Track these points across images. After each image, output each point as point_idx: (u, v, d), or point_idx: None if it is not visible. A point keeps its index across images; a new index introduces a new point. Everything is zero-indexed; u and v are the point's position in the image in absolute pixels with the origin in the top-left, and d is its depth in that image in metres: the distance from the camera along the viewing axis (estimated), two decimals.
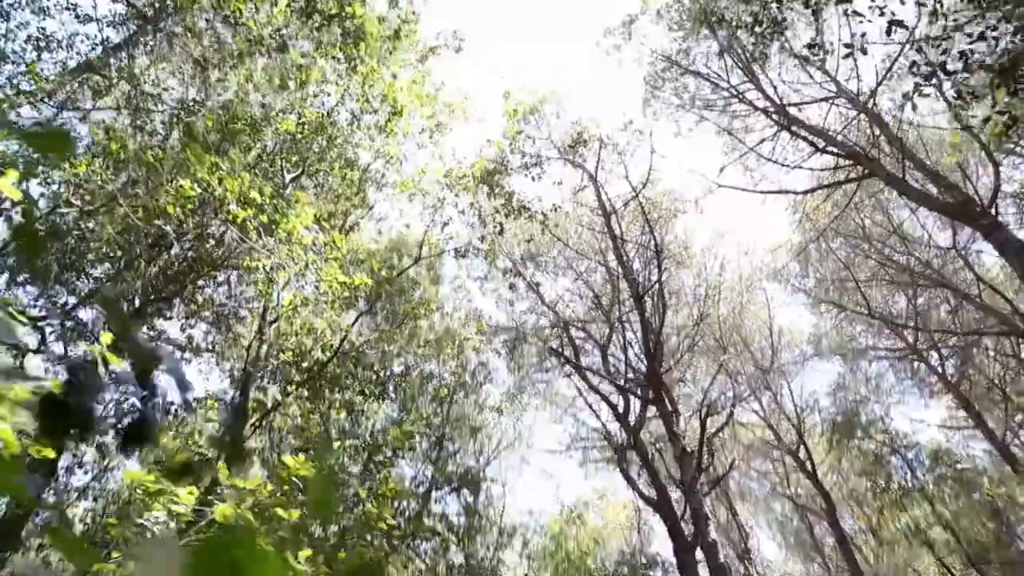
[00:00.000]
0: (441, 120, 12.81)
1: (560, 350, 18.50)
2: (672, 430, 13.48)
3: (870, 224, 23.35)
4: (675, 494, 16.55)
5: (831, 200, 20.87)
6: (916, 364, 26.16)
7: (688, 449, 13.00)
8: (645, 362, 13.93)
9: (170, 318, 11.75)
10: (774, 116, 16.35)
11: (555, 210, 13.79)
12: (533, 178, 14.87)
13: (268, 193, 6.90)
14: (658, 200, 18.48)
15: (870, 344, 26.06)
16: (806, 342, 25.76)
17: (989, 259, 23.48)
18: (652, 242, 14.09)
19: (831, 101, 16.70)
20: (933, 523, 24.26)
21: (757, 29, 11.50)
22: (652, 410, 18.52)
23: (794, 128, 15.55)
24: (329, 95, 10.34)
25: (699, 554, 16.49)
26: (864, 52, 8.99)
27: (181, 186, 6.46)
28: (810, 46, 11.23)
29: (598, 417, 20.25)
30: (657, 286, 13.92)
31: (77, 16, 10.40)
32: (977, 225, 11.88)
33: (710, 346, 21.80)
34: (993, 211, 11.37)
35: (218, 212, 6.96)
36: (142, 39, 10.24)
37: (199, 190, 6.54)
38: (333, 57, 9.53)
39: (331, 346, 10.45)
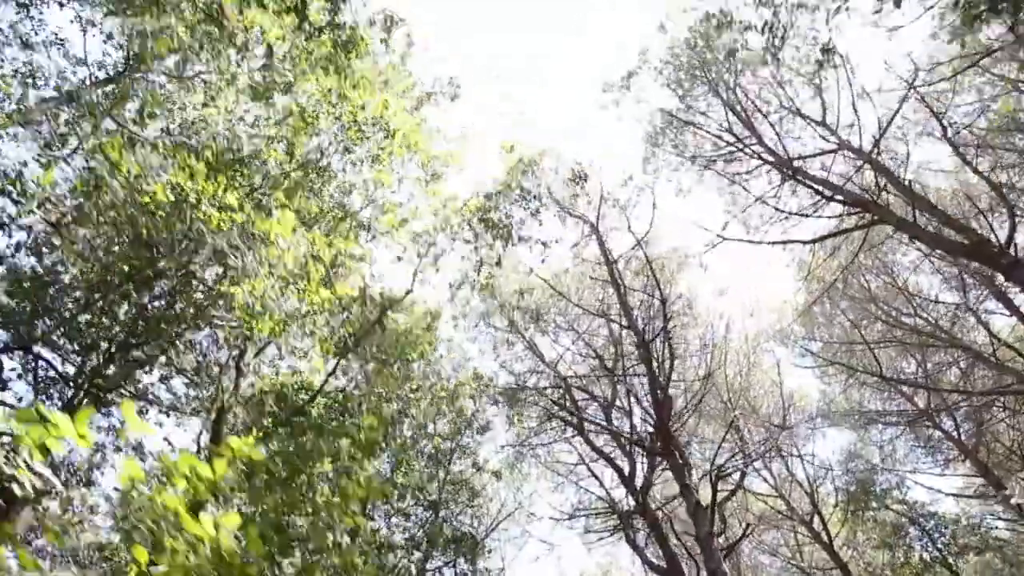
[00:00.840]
0: (436, 169, 12.50)
1: (562, 410, 17.77)
2: (684, 483, 12.66)
3: (876, 286, 22.95)
4: (685, 565, 15.53)
5: (836, 258, 20.53)
6: (930, 431, 25.35)
7: (703, 504, 12.15)
8: (652, 415, 13.20)
9: (149, 370, 11.12)
10: (778, 167, 16.14)
11: (549, 254, 13.30)
12: (533, 215, 14.52)
13: (241, 195, 6.47)
14: (660, 258, 18.09)
15: (881, 409, 25.27)
16: (815, 409, 24.97)
17: (1000, 320, 23.02)
18: (656, 292, 13.57)
19: (834, 153, 16.52)
20: None
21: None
22: (660, 475, 17.68)
23: (799, 177, 15.29)
24: (319, 127, 10.05)
25: None
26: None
27: (153, 192, 6.04)
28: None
29: (601, 484, 19.34)
30: (663, 334, 13.33)
31: (65, 54, 10.19)
32: (996, 265, 11.42)
33: (717, 410, 21.04)
34: (1012, 251, 10.91)
35: (192, 225, 6.50)
36: (130, 78, 9.99)
37: (172, 197, 6.10)
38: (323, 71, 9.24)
39: (312, 385, 9.76)
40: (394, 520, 14.86)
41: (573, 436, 18.01)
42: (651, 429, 17.78)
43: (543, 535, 27.75)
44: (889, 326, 22.35)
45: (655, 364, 13.40)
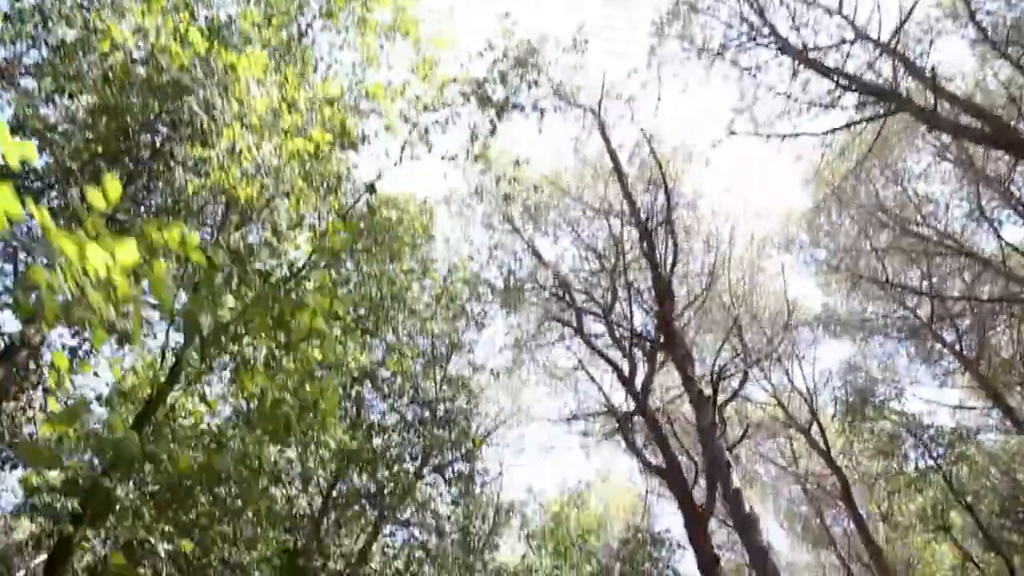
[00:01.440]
0: (427, 54, 11.67)
1: (562, 310, 17.42)
2: (687, 375, 12.36)
3: (884, 195, 22.35)
4: (684, 467, 15.42)
5: (846, 161, 19.85)
6: (931, 344, 25.14)
7: (705, 393, 11.86)
8: (654, 311, 12.77)
9: None
10: (792, 57, 15.30)
11: (545, 126, 12.57)
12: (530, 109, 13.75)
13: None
14: (664, 156, 17.37)
15: (882, 321, 25.00)
16: (816, 320, 24.64)
17: (1012, 230, 22.54)
18: (660, 181, 12.94)
19: (851, 43, 15.64)
20: (951, 506, 23.15)
21: None
22: (660, 376, 17.43)
23: (814, 66, 14.49)
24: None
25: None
26: None
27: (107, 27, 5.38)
28: None
29: (600, 388, 19.15)
30: (666, 224, 12.80)
31: None
32: (1021, 152, 10.82)
33: (718, 316, 20.70)
34: None
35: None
36: None
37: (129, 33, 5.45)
38: None
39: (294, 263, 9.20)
40: (390, 419, 14.59)
41: (572, 337, 17.69)
42: (652, 329, 17.47)
43: (541, 441, 27.75)
44: (896, 234, 21.84)
45: (658, 255, 12.92)
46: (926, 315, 22.78)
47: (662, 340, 13.01)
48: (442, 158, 10.98)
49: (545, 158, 16.71)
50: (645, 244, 13.36)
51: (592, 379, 19.26)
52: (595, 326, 18.28)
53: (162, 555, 7.28)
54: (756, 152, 30.99)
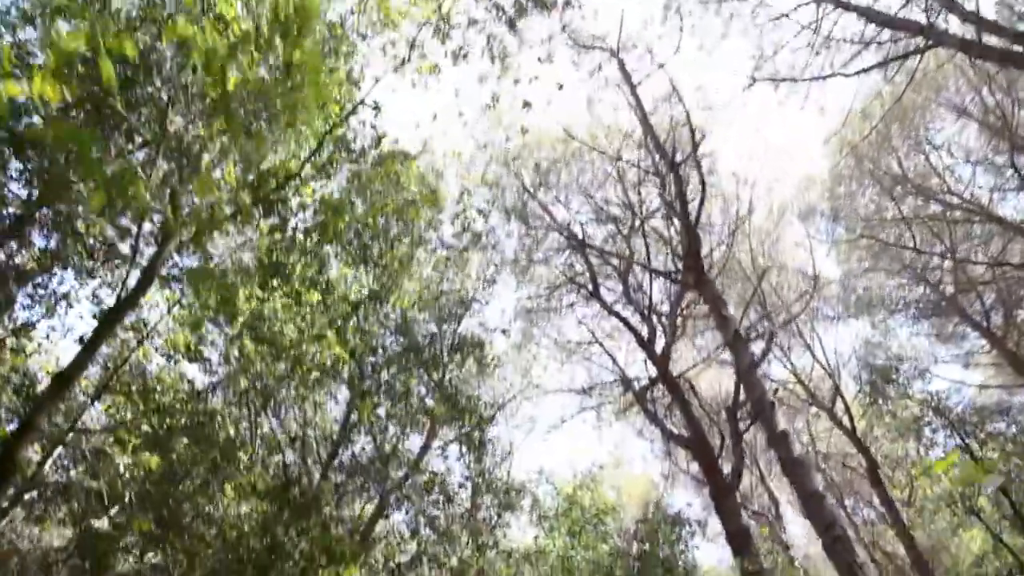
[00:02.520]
0: None
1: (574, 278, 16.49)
2: (721, 314, 11.40)
3: (908, 164, 21.50)
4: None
5: (869, 125, 18.98)
6: (954, 324, 24.30)
7: (741, 334, 10.91)
8: (681, 245, 11.82)
9: None
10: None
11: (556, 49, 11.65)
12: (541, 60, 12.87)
13: None
14: (681, 116, 16.49)
15: (904, 297, 24.12)
16: (836, 295, 23.74)
17: None
18: (684, 118, 12.02)
19: None
20: (981, 489, 22.12)
21: None
22: (675, 356, 16.48)
23: (843, 4, 13.63)
24: None
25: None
26: None
27: None
28: None
29: (614, 361, 18.19)
30: (692, 157, 11.88)
31: None
32: None
33: (738, 291, 19.79)
34: None
35: None
36: None
37: None
38: None
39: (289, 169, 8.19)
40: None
41: (588, 300, 16.72)
42: (668, 299, 16.55)
43: (552, 420, 26.75)
44: (919, 203, 20.98)
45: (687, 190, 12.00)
46: (950, 290, 21.96)
47: (692, 279, 12.05)
48: (453, 55, 10.03)
49: (562, 112, 15.83)
50: (672, 177, 12.44)
51: (607, 352, 18.31)
52: (609, 298, 17.42)
53: (122, 471, 6.35)
54: (777, 113, 30.11)
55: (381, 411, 13.47)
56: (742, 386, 10.54)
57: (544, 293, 16.97)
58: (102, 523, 7.03)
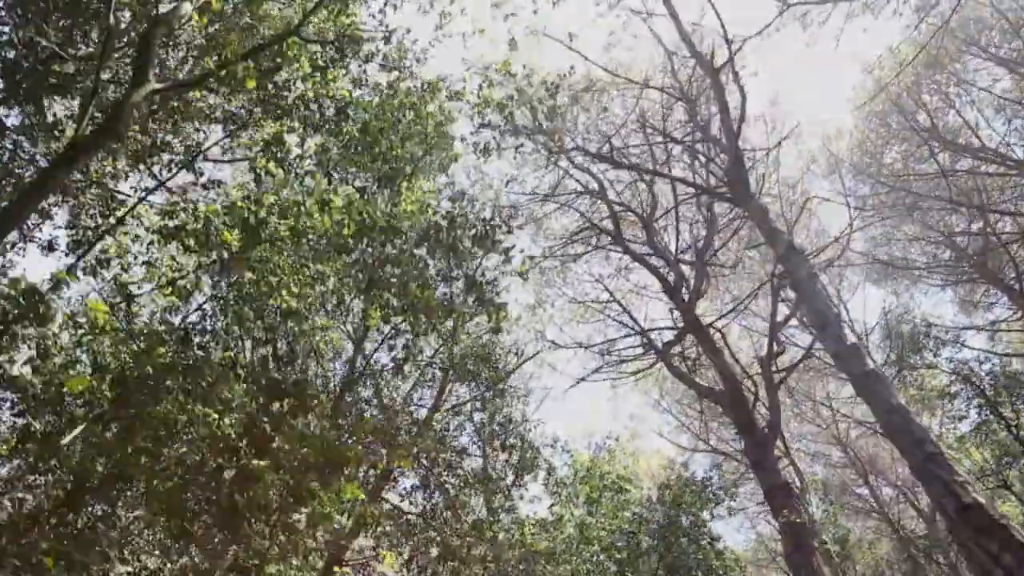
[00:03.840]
0: None
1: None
2: (770, 227, 10.36)
3: (939, 118, 20.49)
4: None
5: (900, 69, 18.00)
6: (982, 290, 23.34)
7: (796, 247, 9.83)
8: (730, 146, 10.76)
9: None
10: None
11: None
12: None
13: None
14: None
15: (931, 262, 23.13)
16: (862, 257, 22.72)
17: None
18: (719, 24, 10.92)
19: None
20: (1013, 461, 21.11)
21: None
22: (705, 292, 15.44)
23: None
24: None
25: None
26: None
27: None
28: None
29: (635, 321, 17.15)
30: (730, 63, 10.80)
31: None
32: None
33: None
34: None
35: None
36: None
37: None
38: None
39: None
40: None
41: (610, 246, 15.64)
42: (694, 248, 15.54)
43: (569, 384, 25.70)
44: (954, 153, 19.96)
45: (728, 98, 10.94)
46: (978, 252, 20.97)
47: (736, 193, 11.00)
48: None
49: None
50: (712, 82, 11.40)
51: (626, 311, 17.27)
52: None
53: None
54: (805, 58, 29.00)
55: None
56: (801, 297, 9.47)
57: (562, 242, 15.90)
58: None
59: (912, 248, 23.63)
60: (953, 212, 21.99)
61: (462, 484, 14.00)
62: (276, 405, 5.19)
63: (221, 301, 7.96)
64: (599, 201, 15.51)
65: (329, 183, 7.29)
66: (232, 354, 7.35)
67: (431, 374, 14.64)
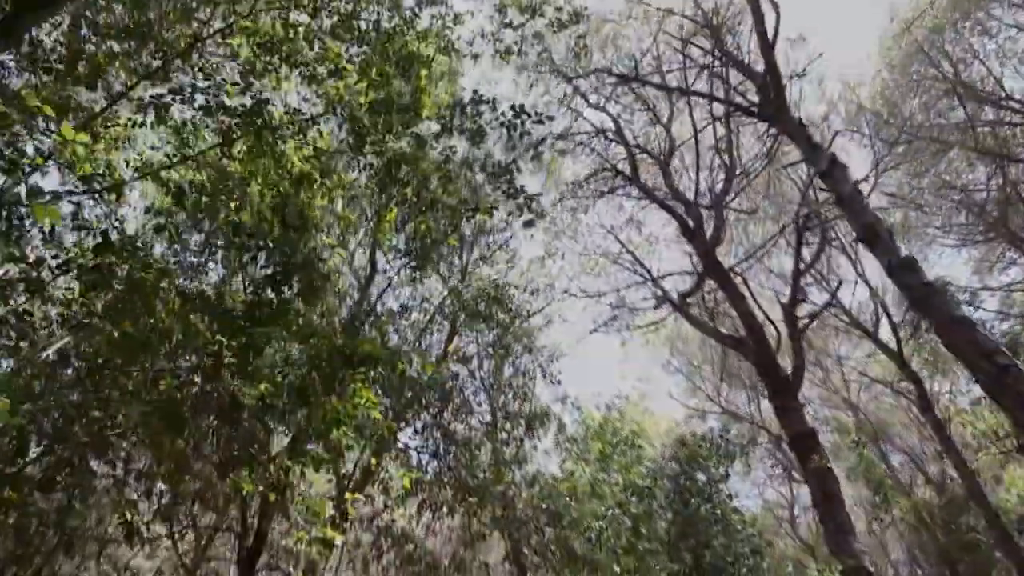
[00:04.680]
0: None
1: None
2: (810, 143, 9.69)
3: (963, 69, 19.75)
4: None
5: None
6: (1001, 248, 22.72)
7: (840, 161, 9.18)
8: (766, 58, 10.06)
9: None
10: None
11: None
12: None
13: None
14: None
15: (946, 223, 22.47)
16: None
17: None
18: None
19: None
20: None
21: None
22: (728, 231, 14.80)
23: None
24: None
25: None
26: None
27: None
28: None
29: (650, 274, 16.55)
30: None
31: None
32: None
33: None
34: None
35: None
36: None
37: None
38: None
39: None
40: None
41: (626, 187, 14.98)
42: (711, 191, 14.90)
43: (581, 336, 25.03)
44: (977, 104, 19.24)
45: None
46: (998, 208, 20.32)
47: (774, 111, 10.31)
48: None
49: None
50: None
51: (640, 262, 16.67)
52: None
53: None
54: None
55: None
56: (848, 212, 8.83)
57: (576, 187, 15.24)
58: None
59: (929, 206, 23.00)
60: (972, 170, 21.39)
61: (470, 431, 13.46)
62: (284, 288, 4.60)
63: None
64: (614, 144, 14.86)
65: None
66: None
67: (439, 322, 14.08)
